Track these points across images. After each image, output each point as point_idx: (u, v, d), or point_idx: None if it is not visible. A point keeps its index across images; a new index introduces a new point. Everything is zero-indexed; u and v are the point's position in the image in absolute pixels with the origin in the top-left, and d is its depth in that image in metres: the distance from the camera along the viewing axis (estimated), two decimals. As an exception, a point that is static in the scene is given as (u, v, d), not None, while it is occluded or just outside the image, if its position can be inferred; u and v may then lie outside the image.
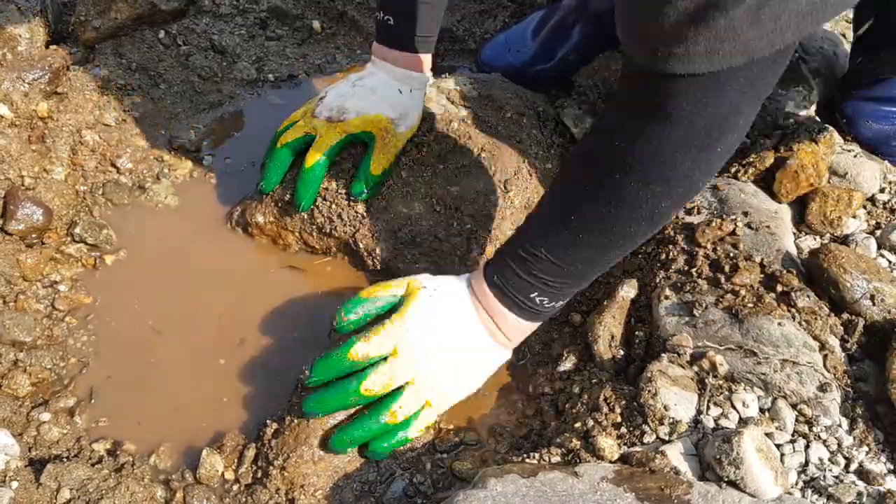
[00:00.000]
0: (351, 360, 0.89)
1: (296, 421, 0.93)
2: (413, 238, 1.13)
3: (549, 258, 0.86)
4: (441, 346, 0.90)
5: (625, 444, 0.85)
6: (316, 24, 1.53)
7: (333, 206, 1.14)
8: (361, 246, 1.15)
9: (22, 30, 1.23)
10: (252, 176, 1.31)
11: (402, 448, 0.97)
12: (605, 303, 1.05)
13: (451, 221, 1.14)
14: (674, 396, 0.86)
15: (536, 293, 0.88)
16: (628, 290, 1.05)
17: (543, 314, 0.92)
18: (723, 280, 0.98)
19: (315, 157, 1.11)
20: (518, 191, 1.19)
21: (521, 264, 0.88)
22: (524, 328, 0.94)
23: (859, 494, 0.78)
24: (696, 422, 0.85)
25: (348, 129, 1.12)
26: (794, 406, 0.86)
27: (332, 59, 1.53)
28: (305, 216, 1.15)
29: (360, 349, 0.89)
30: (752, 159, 1.17)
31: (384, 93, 1.15)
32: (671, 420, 0.84)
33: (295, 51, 1.51)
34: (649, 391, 0.87)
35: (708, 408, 0.86)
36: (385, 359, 0.90)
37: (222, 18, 1.45)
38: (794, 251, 1.05)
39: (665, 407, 0.85)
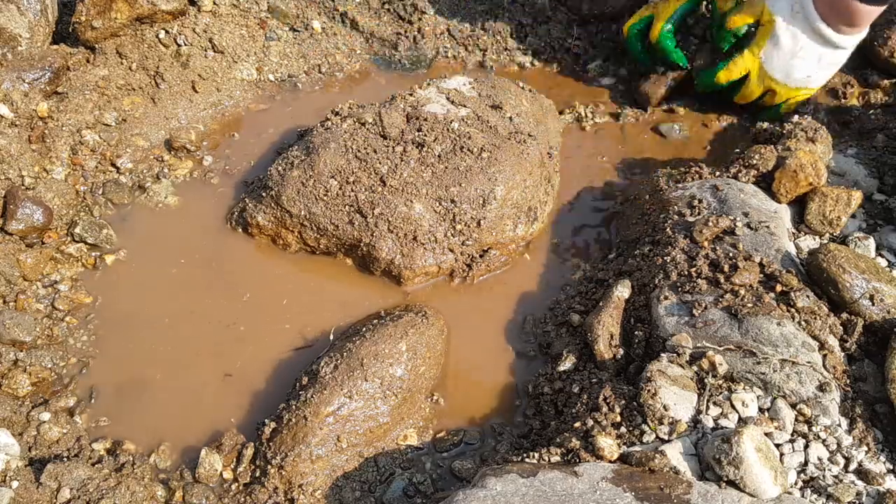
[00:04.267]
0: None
1: (294, 420, 0.93)
2: (414, 237, 1.13)
3: None
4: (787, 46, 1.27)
5: (624, 443, 0.85)
6: (316, 24, 1.53)
7: (335, 207, 1.14)
8: (362, 246, 1.15)
9: (22, 30, 1.24)
10: (252, 176, 1.31)
11: (401, 447, 0.97)
12: (601, 303, 1.05)
13: (451, 221, 1.14)
14: (673, 396, 0.86)
15: None
16: (622, 290, 1.06)
17: None
18: (722, 280, 0.98)
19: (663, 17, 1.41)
20: (518, 190, 1.19)
21: None
22: (866, 12, 1.17)
23: (858, 494, 0.78)
24: (696, 421, 0.85)
25: None
26: (793, 406, 0.86)
27: (332, 59, 1.53)
28: (305, 218, 1.16)
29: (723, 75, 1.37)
30: (752, 160, 1.17)
31: None
32: (671, 420, 0.84)
33: (295, 51, 1.51)
34: (649, 391, 0.87)
35: (707, 407, 0.86)
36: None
37: (222, 18, 1.45)
38: (793, 251, 1.05)
39: (665, 406, 0.85)
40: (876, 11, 1.18)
